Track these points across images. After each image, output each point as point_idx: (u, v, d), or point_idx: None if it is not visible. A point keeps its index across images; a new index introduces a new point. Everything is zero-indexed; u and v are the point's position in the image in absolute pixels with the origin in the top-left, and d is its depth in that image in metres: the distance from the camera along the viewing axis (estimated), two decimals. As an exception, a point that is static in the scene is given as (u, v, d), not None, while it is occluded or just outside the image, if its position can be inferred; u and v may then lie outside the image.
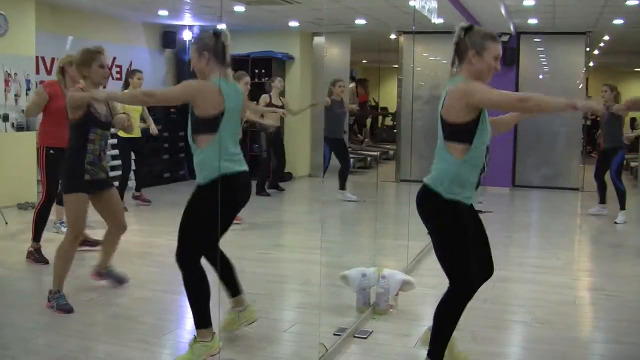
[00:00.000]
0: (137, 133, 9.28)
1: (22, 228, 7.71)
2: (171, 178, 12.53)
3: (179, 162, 12.94)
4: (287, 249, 7.67)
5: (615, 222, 9.15)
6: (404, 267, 6.11)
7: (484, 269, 3.95)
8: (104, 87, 5.41)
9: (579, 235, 9.01)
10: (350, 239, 7.57)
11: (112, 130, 5.64)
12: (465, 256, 3.70)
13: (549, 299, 5.60)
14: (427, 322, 4.96)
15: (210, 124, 3.99)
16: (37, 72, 9.88)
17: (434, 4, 7.07)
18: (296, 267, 6.70)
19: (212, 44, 4.08)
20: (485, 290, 5.64)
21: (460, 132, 3.63)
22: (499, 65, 3.74)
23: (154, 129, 9.61)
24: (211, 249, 4.22)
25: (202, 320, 4.04)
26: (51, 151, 6.29)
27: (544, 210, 10.03)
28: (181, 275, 4.14)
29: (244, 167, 4.19)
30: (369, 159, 15.70)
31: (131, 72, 9.47)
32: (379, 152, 16.71)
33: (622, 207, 9.26)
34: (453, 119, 3.63)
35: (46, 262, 6.22)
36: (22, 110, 9.41)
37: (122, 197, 8.24)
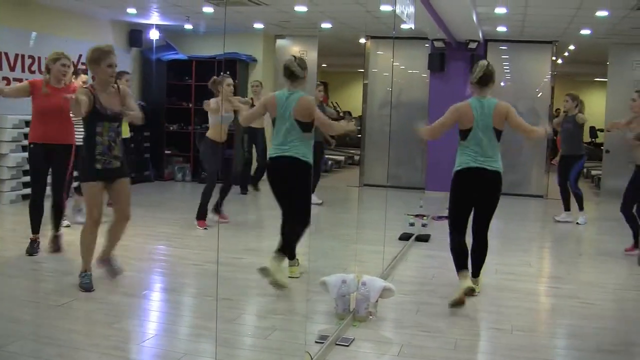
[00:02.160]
0: (126, 133, 9.16)
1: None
2: (137, 178, 12.30)
3: (144, 162, 12.74)
4: (259, 252, 7.56)
5: (577, 223, 9.70)
6: (379, 273, 6.06)
7: None
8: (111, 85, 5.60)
9: (547, 242, 9.09)
10: (320, 244, 7.47)
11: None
12: None
13: (527, 306, 5.60)
14: (408, 328, 4.96)
15: (274, 124, 5.84)
16: (0, 67, 9.60)
17: (412, 9, 7.06)
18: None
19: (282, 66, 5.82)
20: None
21: (500, 135, 5.56)
22: None
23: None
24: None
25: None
26: (31, 145, 6.52)
27: (510, 217, 10.06)
28: None
29: (282, 154, 5.73)
30: (329, 162, 15.64)
31: (119, 74, 9.18)
32: (344, 157, 16.69)
33: (581, 209, 9.74)
34: (500, 128, 5.51)
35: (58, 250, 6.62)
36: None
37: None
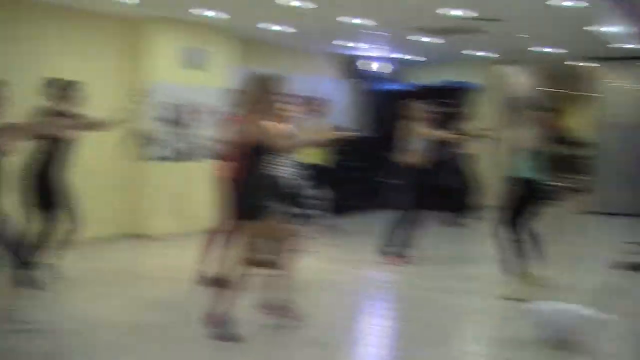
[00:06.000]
0: (329, 162, 9.50)
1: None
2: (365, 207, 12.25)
3: (372, 192, 12.55)
4: (470, 281, 7.49)
5: None
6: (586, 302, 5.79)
7: None
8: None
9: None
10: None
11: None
12: None
13: None
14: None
15: None
16: (230, 104, 10.37)
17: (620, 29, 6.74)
18: (478, 300, 6.56)
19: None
20: None
21: None
22: None
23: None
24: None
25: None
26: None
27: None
28: None
29: None
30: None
31: (308, 100, 9.44)
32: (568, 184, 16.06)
33: None
34: None
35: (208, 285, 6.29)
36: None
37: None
